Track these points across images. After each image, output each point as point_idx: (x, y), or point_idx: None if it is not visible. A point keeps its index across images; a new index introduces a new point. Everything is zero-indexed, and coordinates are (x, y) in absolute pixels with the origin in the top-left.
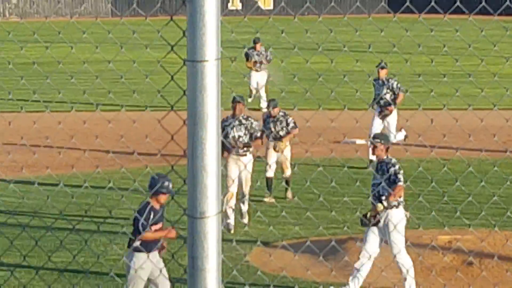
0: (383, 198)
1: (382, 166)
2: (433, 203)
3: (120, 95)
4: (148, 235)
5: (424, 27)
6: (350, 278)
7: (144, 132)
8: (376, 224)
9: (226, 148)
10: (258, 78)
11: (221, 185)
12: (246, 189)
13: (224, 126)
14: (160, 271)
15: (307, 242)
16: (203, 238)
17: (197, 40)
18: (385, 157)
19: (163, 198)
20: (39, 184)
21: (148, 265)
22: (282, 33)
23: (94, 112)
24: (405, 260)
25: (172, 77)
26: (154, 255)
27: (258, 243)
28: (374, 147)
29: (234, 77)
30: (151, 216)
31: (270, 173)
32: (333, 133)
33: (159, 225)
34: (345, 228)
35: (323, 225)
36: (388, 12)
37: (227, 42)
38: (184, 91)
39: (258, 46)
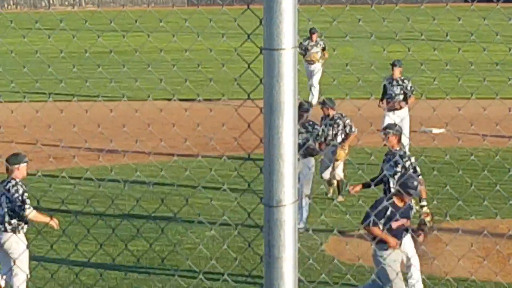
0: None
1: (395, 157)
2: (510, 193)
3: (196, 84)
4: (377, 231)
5: (502, 16)
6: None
7: (221, 121)
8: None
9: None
10: (313, 71)
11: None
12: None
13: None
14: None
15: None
16: (280, 226)
17: (274, 28)
18: (398, 148)
19: (407, 198)
20: (115, 173)
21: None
22: (359, 21)
23: (170, 101)
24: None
25: (248, 65)
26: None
27: (335, 232)
28: (387, 138)
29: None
30: (387, 213)
31: (326, 175)
32: (410, 122)
33: (400, 222)
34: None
35: None
36: (465, 1)
37: (304, 32)
38: (261, 80)
39: (314, 36)
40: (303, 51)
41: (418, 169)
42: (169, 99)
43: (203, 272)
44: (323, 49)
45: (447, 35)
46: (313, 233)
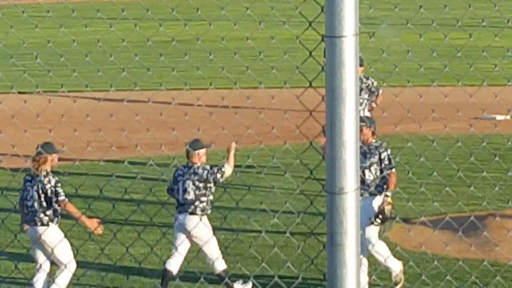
0: (382, 189)
1: (371, 150)
2: None
3: (258, 72)
4: None
5: None
6: None
7: (283, 108)
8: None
9: None
10: None
11: None
12: None
13: None
14: None
15: (446, 218)
16: (342, 214)
17: (335, 15)
18: (373, 140)
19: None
20: (178, 161)
21: None
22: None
23: (232, 89)
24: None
25: (310, 53)
26: None
27: (397, 219)
28: (360, 131)
29: (373, 54)
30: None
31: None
32: (472, 109)
33: None
34: (485, 203)
35: (462, 201)
36: None
37: (365, 19)
38: (323, 67)
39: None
40: None
41: (392, 161)
42: (231, 88)
43: (266, 261)
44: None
45: (508, 21)
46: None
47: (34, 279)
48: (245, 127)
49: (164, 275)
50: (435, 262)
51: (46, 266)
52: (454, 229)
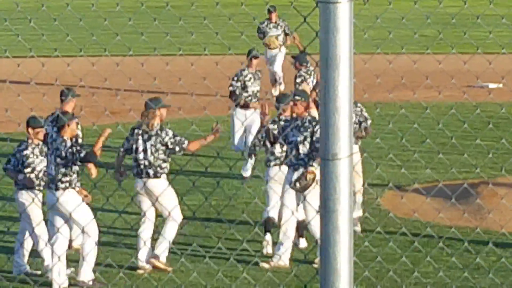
0: (311, 160)
1: (304, 123)
2: None
3: (252, 38)
4: None
5: None
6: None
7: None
8: (304, 190)
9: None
10: (274, 56)
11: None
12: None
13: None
14: None
15: (439, 185)
16: (335, 179)
17: None
18: (306, 114)
19: None
20: (171, 126)
21: None
22: None
23: (226, 55)
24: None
25: (305, 19)
26: None
27: (390, 186)
28: (294, 104)
29: (366, 21)
30: None
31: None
32: (466, 77)
33: None
34: (478, 171)
35: (455, 169)
36: None
37: None
38: (317, 33)
39: (274, 16)
40: (261, 34)
41: None
42: (225, 54)
43: (258, 224)
44: (286, 34)
45: None
46: (368, 187)
47: (140, 230)
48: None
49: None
50: (428, 229)
51: (150, 214)
52: (447, 197)
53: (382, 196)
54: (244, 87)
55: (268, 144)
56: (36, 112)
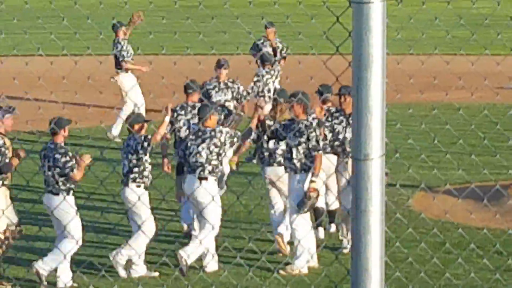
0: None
1: (300, 129)
2: None
3: (285, 38)
4: None
5: None
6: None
7: (309, 74)
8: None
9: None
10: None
11: None
12: None
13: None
14: None
15: (471, 186)
16: (367, 180)
17: None
18: (304, 118)
19: None
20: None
21: None
22: None
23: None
24: (300, 226)
25: (337, 19)
26: None
27: (421, 186)
28: (291, 106)
29: (398, 21)
30: None
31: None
32: (498, 78)
33: None
34: (510, 172)
35: (487, 170)
36: None
37: None
38: (350, 33)
39: (271, 33)
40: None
41: (321, 142)
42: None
43: None
44: (284, 58)
45: None
46: (400, 187)
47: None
48: None
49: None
50: (459, 231)
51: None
52: (479, 198)
53: (413, 197)
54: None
55: (265, 138)
56: (68, 111)
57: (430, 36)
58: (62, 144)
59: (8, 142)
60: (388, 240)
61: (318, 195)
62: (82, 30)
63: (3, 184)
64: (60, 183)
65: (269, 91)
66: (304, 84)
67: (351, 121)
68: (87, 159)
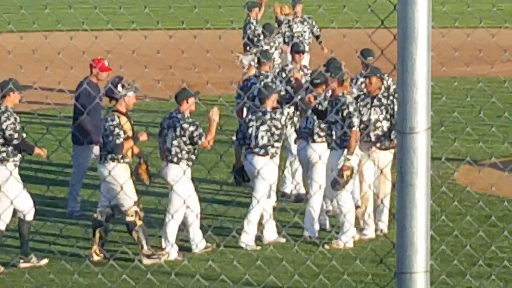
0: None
1: (337, 104)
2: None
3: (330, 11)
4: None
5: None
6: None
7: (354, 47)
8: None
9: None
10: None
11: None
12: None
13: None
14: None
15: None
16: (412, 153)
17: None
18: (340, 93)
19: None
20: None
21: None
22: None
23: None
24: (346, 202)
25: None
26: None
27: (467, 160)
28: (326, 84)
29: None
30: None
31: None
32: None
33: None
34: None
35: None
36: None
37: None
38: (395, 6)
39: (299, 7)
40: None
41: (355, 120)
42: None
43: None
44: (315, 36)
45: None
46: (445, 161)
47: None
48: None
49: None
50: (504, 204)
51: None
52: None
53: (458, 170)
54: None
55: (315, 117)
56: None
57: (476, 9)
58: (188, 114)
59: (123, 121)
60: (434, 213)
61: (352, 173)
62: (126, 5)
63: (124, 162)
64: (184, 152)
65: None
66: (349, 57)
67: (375, 102)
68: (143, 137)
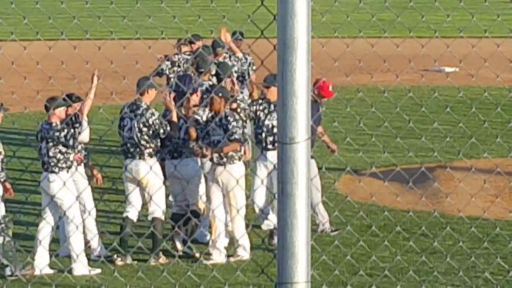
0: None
1: (221, 122)
2: None
3: (210, 22)
4: None
5: None
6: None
7: None
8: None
9: None
10: None
11: None
12: None
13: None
14: None
15: (396, 169)
16: (293, 164)
17: None
18: (226, 111)
19: None
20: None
21: None
22: None
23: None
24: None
25: (262, 2)
26: None
27: (347, 169)
28: (212, 102)
29: (323, 4)
30: None
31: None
32: (423, 60)
33: None
34: (435, 155)
35: (412, 152)
36: None
37: None
38: (274, 16)
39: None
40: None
41: (238, 132)
42: (181, 38)
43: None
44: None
45: None
46: (325, 171)
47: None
48: None
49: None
50: (385, 213)
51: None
52: (404, 181)
53: (339, 180)
54: None
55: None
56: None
57: (355, 19)
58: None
59: None
60: (314, 223)
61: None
62: (5, 16)
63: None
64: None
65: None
66: None
67: (272, 109)
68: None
